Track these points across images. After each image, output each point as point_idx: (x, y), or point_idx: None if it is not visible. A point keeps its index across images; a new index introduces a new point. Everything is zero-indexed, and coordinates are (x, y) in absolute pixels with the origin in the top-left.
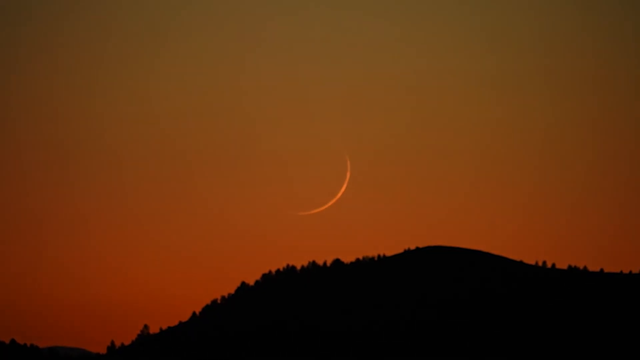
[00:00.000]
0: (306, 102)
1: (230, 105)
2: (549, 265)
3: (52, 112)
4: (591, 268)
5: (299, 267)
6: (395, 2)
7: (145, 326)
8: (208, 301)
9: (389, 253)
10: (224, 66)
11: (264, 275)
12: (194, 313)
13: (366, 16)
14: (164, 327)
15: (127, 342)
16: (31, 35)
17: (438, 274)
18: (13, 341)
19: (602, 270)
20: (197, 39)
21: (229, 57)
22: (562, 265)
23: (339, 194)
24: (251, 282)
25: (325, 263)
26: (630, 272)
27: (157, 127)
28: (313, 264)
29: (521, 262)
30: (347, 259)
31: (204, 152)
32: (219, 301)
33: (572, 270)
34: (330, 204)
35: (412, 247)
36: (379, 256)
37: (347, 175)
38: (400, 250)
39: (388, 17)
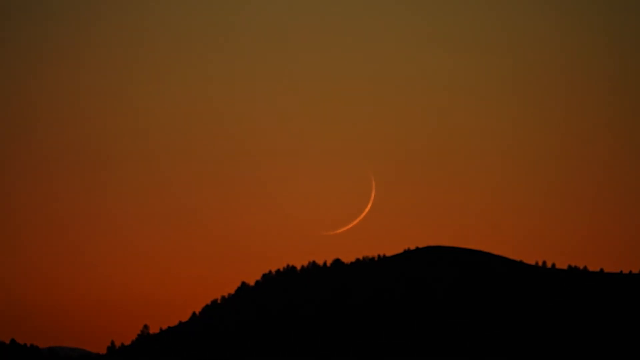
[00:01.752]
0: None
1: (249, 116)
2: (549, 265)
3: (53, 113)
4: (591, 268)
5: (299, 267)
6: (426, 26)
7: (145, 326)
8: (208, 301)
9: (389, 253)
10: (246, 80)
11: (264, 275)
12: (194, 313)
13: (392, 36)
14: (164, 327)
15: (127, 342)
16: (31, 36)
17: (438, 274)
18: (13, 341)
19: (602, 270)
20: (227, 54)
21: (252, 71)
22: (562, 265)
23: (364, 213)
24: (251, 282)
25: (325, 263)
26: (630, 272)
27: (161, 128)
28: (313, 264)
29: (521, 262)
30: (347, 259)
31: (211, 157)
32: (219, 301)
33: (572, 270)
34: (354, 223)
35: (412, 247)
36: (379, 256)
37: (372, 195)
38: (400, 250)
39: (413, 37)
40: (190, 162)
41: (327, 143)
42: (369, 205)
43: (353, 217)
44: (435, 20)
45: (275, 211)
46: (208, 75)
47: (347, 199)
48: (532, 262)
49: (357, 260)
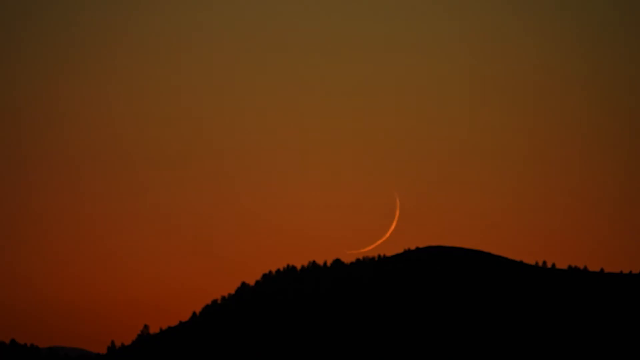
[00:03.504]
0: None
1: (258, 120)
2: (549, 265)
3: (54, 112)
4: (591, 268)
5: (299, 267)
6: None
7: (145, 326)
8: (208, 301)
9: (389, 253)
10: (259, 83)
11: (264, 275)
12: (194, 313)
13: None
14: (164, 327)
15: (127, 342)
16: (32, 35)
17: (438, 274)
18: (13, 341)
19: (602, 270)
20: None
21: (268, 76)
22: (562, 265)
23: (389, 232)
24: (251, 282)
25: (325, 263)
26: (630, 272)
27: (163, 128)
28: (313, 264)
29: (521, 262)
30: (347, 259)
31: (212, 158)
32: (219, 301)
33: (572, 270)
34: (379, 242)
35: (412, 247)
36: (379, 256)
37: (396, 214)
38: (400, 250)
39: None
40: (191, 162)
41: (335, 150)
42: (394, 224)
43: (377, 235)
44: (454, 31)
45: (275, 211)
46: (217, 75)
47: (371, 216)
48: (532, 262)
49: (357, 260)
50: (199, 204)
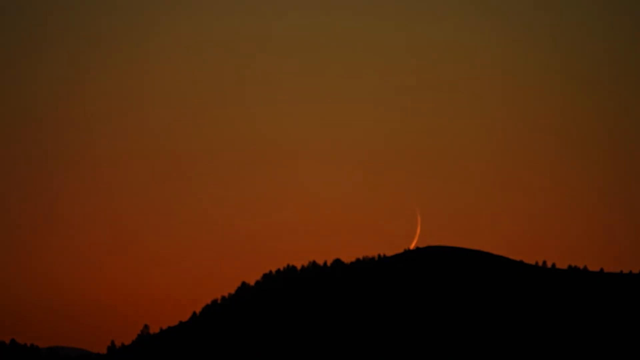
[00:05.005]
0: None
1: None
2: (549, 265)
3: (54, 112)
4: (591, 268)
5: (299, 267)
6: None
7: (145, 326)
8: (208, 301)
9: (389, 253)
10: (270, 86)
11: (264, 275)
12: (194, 313)
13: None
14: (164, 327)
15: (127, 342)
16: (28, 35)
17: (438, 274)
18: (13, 341)
19: (602, 270)
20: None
21: (276, 79)
22: (562, 265)
23: (412, 244)
24: (251, 282)
25: (325, 263)
26: (630, 272)
27: (162, 127)
28: (313, 264)
29: (521, 262)
30: (347, 259)
31: (215, 159)
32: (219, 301)
33: (572, 270)
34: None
35: (412, 247)
36: (379, 256)
37: (417, 231)
38: (400, 250)
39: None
40: (191, 162)
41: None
42: (414, 242)
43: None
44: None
45: (276, 211)
46: (224, 76)
47: (393, 231)
48: (532, 262)
49: (357, 260)
50: (199, 204)
